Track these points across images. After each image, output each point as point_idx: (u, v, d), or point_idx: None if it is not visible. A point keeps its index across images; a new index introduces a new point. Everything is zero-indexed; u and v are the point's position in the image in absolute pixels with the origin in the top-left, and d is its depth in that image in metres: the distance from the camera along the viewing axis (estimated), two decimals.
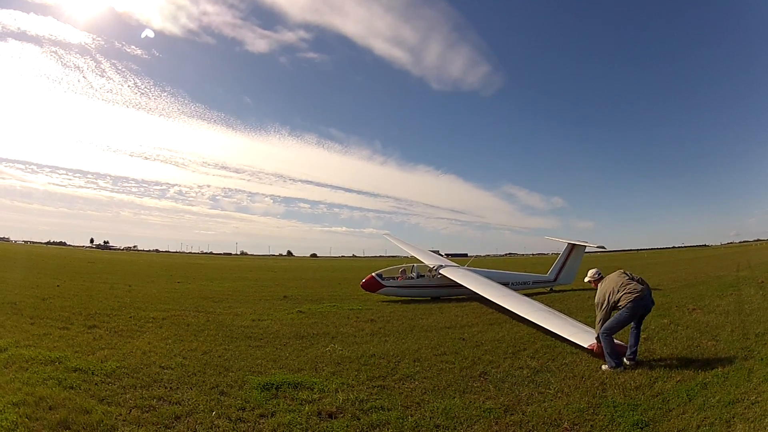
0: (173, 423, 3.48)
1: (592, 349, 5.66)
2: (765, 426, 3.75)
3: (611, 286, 5.48)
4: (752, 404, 4.19)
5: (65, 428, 3.26)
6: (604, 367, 5.23)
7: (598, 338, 5.53)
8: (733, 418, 3.92)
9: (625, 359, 5.35)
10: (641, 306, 5.39)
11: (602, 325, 5.39)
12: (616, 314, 5.40)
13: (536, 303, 9.90)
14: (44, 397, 3.73)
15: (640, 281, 5.53)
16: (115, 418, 3.49)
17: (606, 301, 5.43)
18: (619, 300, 5.36)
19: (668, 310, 9.91)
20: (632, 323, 5.49)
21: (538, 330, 7.69)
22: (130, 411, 3.64)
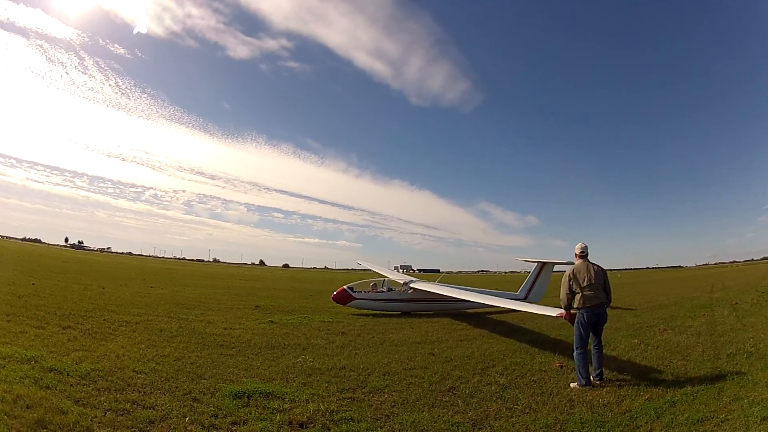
0: (147, 427, 3.81)
1: (563, 317, 6.21)
2: None
3: (585, 275, 5.94)
4: (721, 422, 4.51)
5: (42, 428, 3.56)
6: (572, 385, 5.72)
7: (566, 308, 6.06)
8: None
9: (592, 378, 5.81)
10: (595, 314, 5.90)
11: (566, 301, 5.94)
12: (575, 329, 5.90)
13: (512, 299, 12.46)
14: (21, 395, 4.06)
15: (604, 289, 6.04)
16: (91, 420, 3.79)
17: (575, 281, 5.92)
18: (580, 294, 5.87)
19: (639, 330, 10.65)
20: (593, 342, 5.98)
21: (508, 347, 8.29)
22: (105, 413, 3.97)
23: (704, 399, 5.24)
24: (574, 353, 5.86)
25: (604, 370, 6.17)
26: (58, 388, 4.46)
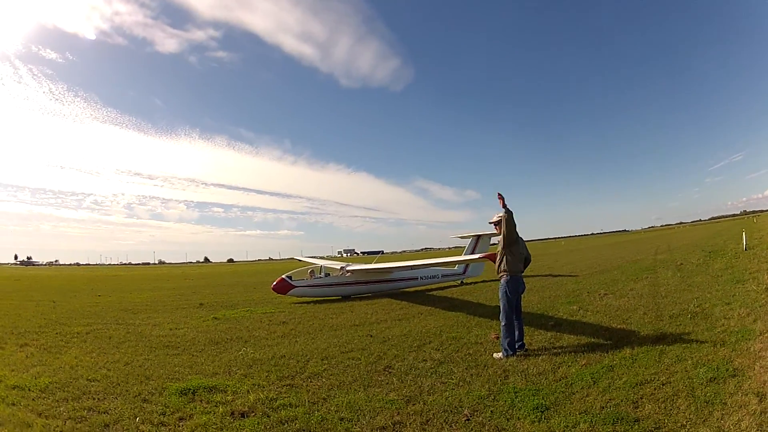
0: (103, 431, 4.73)
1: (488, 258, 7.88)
2: (678, 406, 4.58)
3: (518, 247, 7.20)
4: (662, 385, 5.15)
5: None
6: (496, 355, 6.91)
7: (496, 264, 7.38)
8: (641, 398, 4.84)
9: (516, 347, 7.01)
10: (522, 284, 7.18)
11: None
12: (501, 301, 7.11)
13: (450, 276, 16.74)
14: None
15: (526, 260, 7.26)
16: (53, 430, 4.72)
17: (512, 238, 7.10)
18: (512, 260, 7.07)
19: (579, 296, 12.25)
20: (515, 312, 7.14)
21: (445, 323, 9.68)
22: (66, 422, 4.90)
23: (644, 362, 6.02)
24: (502, 324, 7.01)
25: (536, 337, 7.47)
26: (22, 404, 5.53)
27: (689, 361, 5.87)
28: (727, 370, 5.41)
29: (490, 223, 7.58)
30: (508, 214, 7.12)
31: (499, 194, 7.06)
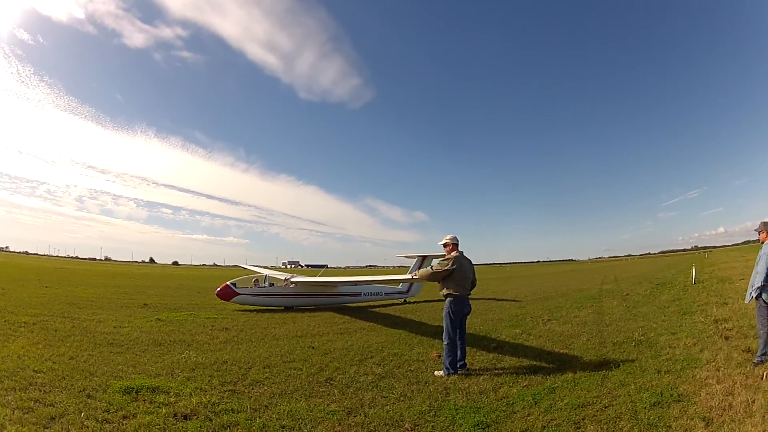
0: (50, 423, 4.86)
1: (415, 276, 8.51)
2: (620, 428, 4.77)
3: (468, 266, 7.72)
4: (605, 407, 5.39)
5: None
6: (437, 373, 7.36)
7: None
8: (583, 420, 5.08)
9: (458, 367, 7.45)
10: (467, 305, 7.66)
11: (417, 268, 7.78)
12: (444, 321, 7.57)
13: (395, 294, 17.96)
14: None
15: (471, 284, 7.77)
16: (3, 418, 4.85)
17: (461, 269, 7.59)
18: (456, 283, 7.55)
19: (522, 321, 12.83)
20: (458, 333, 7.60)
21: (387, 339, 10.12)
22: (14, 412, 5.06)
23: (586, 385, 6.32)
24: (444, 343, 7.47)
25: (478, 358, 7.91)
26: None
27: (632, 386, 6.15)
28: (671, 395, 5.69)
29: (440, 244, 8.11)
30: (430, 274, 7.90)
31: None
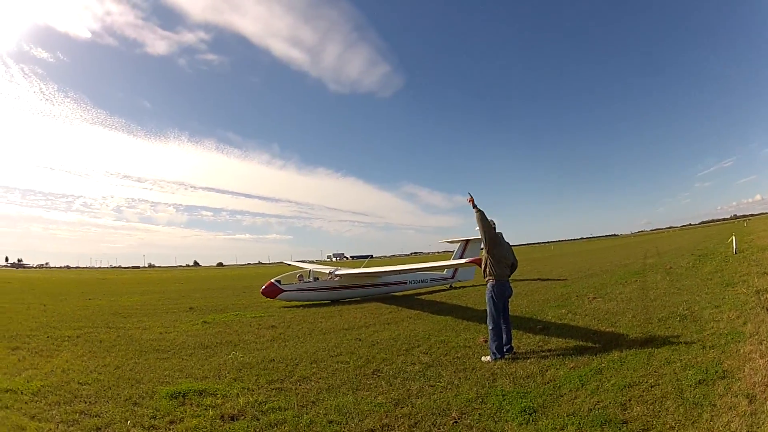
0: None
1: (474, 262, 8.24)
2: (666, 408, 4.69)
3: (503, 250, 7.55)
4: (651, 387, 5.30)
5: None
6: (484, 358, 7.22)
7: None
8: (630, 401, 4.99)
9: (505, 351, 7.30)
10: (509, 288, 7.49)
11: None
12: (488, 305, 7.43)
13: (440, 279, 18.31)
14: None
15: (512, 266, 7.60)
16: None
17: (492, 234, 7.45)
18: (498, 265, 7.38)
19: (567, 300, 12.63)
20: (503, 316, 7.43)
21: (434, 327, 9.99)
22: (58, 425, 5.09)
23: (633, 364, 6.20)
24: (489, 328, 7.35)
25: (524, 341, 7.79)
26: (15, 407, 5.77)
27: (678, 364, 6.04)
28: (716, 372, 5.56)
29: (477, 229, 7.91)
30: (480, 213, 7.46)
31: (469, 195, 7.45)
